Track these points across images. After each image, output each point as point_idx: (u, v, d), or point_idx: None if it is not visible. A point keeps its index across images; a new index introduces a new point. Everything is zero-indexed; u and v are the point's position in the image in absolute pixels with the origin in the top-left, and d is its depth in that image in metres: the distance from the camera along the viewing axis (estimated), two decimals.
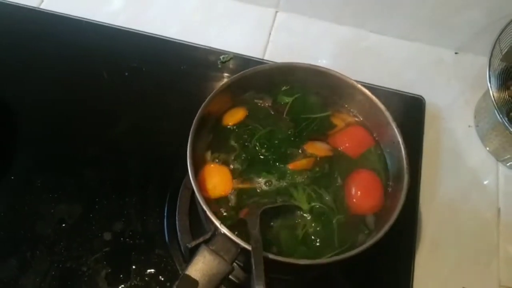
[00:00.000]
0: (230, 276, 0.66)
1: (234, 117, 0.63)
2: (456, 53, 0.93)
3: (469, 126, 0.86)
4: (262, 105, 0.64)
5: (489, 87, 0.75)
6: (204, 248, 0.49)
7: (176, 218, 0.70)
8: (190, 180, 0.70)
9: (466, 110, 0.87)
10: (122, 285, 0.66)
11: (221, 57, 0.86)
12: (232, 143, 0.61)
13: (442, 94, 0.88)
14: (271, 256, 0.49)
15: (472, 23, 0.87)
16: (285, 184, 0.57)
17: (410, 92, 0.87)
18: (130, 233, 0.70)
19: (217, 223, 0.50)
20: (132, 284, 0.66)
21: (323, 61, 0.90)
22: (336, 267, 0.63)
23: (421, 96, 0.86)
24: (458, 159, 0.83)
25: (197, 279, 0.47)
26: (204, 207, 0.51)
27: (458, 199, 0.80)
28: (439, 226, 0.77)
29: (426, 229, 0.76)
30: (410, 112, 0.85)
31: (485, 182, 0.81)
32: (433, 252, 0.74)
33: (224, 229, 0.49)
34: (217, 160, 0.59)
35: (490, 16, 0.84)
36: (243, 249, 0.49)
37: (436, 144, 0.84)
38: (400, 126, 0.60)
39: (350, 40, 0.93)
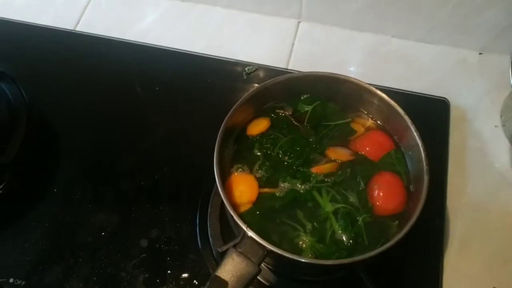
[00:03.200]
0: (260, 279, 0.70)
1: (257, 127, 0.66)
2: (480, 53, 0.93)
3: (495, 126, 0.86)
4: (283, 114, 0.67)
5: None
6: (233, 251, 0.52)
7: (208, 224, 0.73)
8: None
9: (492, 110, 0.87)
10: None
11: (246, 68, 0.90)
12: (256, 152, 0.64)
13: (467, 95, 0.88)
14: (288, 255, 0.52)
15: (494, 23, 0.87)
16: (308, 187, 0.60)
17: (434, 94, 0.87)
18: (165, 239, 0.73)
19: (244, 227, 0.52)
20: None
21: (346, 69, 0.92)
22: (363, 267, 0.65)
23: (445, 98, 0.87)
24: (486, 160, 0.83)
25: (227, 280, 0.50)
26: (232, 212, 0.54)
27: (487, 200, 0.79)
28: (468, 226, 0.77)
29: (454, 229, 0.76)
30: (435, 115, 0.86)
31: None
32: (463, 252, 0.75)
33: (251, 233, 0.52)
34: (240, 170, 0.62)
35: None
36: (270, 251, 0.52)
37: (462, 145, 0.84)
38: (424, 129, 0.61)
39: (372, 46, 0.95)
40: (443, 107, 0.86)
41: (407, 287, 0.72)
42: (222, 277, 0.51)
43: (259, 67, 0.90)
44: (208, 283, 0.51)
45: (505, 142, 0.84)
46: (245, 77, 0.89)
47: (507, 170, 0.82)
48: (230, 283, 0.50)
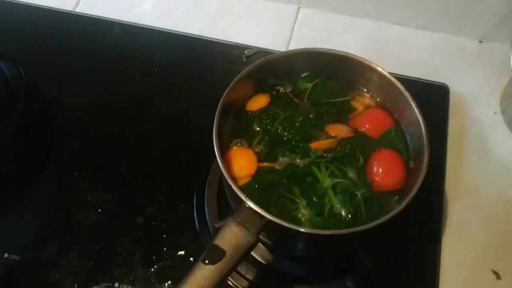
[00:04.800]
0: (257, 257, 0.69)
1: (257, 103, 0.65)
2: (480, 41, 0.93)
3: (495, 113, 0.86)
4: (283, 91, 0.66)
5: None
6: (231, 221, 0.51)
7: (205, 202, 0.73)
8: (217, 167, 0.73)
9: (492, 97, 0.87)
10: (155, 266, 0.70)
11: (246, 51, 0.89)
12: (256, 127, 0.63)
13: (466, 83, 0.89)
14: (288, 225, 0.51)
15: (494, 11, 0.87)
16: (307, 162, 0.59)
17: (434, 80, 0.88)
18: (162, 217, 0.73)
19: (242, 196, 0.52)
20: (164, 264, 0.70)
21: None
22: (361, 245, 0.65)
23: (445, 84, 0.87)
24: (485, 146, 0.83)
25: (225, 248, 0.50)
26: (230, 182, 0.53)
27: (485, 184, 0.80)
28: (466, 210, 0.77)
29: (452, 213, 0.76)
30: (435, 101, 0.86)
31: None
32: (460, 235, 0.75)
33: (249, 202, 0.52)
34: (239, 144, 0.62)
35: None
36: (268, 221, 0.51)
37: (461, 131, 0.84)
38: (424, 114, 0.60)
39: (372, 32, 0.95)
40: (442, 93, 0.87)
41: (404, 269, 0.72)
42: (220, 246, 0.50)
43: (259, 50, 0.90)
44: (205, 252, 0.50)
45: (504, 128, 0.84)
46: (244, 60, 0.89)
47: (506, 156, 0.82)
48: (228, 252, 0.50)
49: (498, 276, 0.72)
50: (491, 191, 0.79)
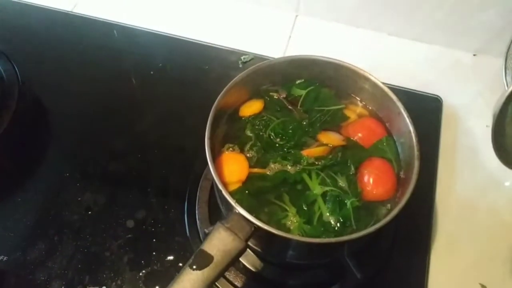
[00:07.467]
0: (246, 265, 0.69)
1: (250, 108, 0.65)
2: (474, 55, 0.94)
3: (487, 126, 0.86)
4: (277, 97, 0.67)
5: (505, 84, 0.76)
6: (220, 226, 0.51)
7: (196, 207, 0.73)
8: (209, 171, 0.74)
9: (484, 110, 0.88)
10: (143, 271, 0.69)
11: (242, 57, 0.90)
12: (248, 133, 0.63)
13: (460, 95, 0.89)
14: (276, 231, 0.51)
15: (489, 25, 0.88)
16: (298, 169, 0.60)
17: (427, 92, 0.88)
18: (152, 221, 0.73)
19: (232, 202, 0.52)
20: (153, 269, 0.69)
21: None
22: (351, 256, 0.65)
23: (438, 96, 0.88)
24: (476, 158, 0.84)
25: (212, 254, 0.50)
26: (221, 187, 0.53)
27: (476, 197, 0.80)
28: (456, 223, 0.77)
29: (442, 225, 0.77)
30: (427, 112, 0.87)
31: (503, 181, 0.81)
32: (450, 248, 0.75)
33: (239, 208, 0.52)
34: (231, 149, 0.62)
35: (506, 17, 0.85)
36: (257, 227, 0.51)
37: (453, 143, 0.84)
38: (416, 125, 0.60)
39: (369, 43, 0.96)
40: (435, 105, 0.87)
41: (393, 280, 0.72)
42: (208, 251, 0.50)
43: (255, 56, 0.90)
44: (193, 257, 0.50)
45: None
46: (241, 66, 0.89)
47: (496, 170, 0.82)
48: (215, 257, 0.50)
49: None
50: (480, 204, 0.79)
